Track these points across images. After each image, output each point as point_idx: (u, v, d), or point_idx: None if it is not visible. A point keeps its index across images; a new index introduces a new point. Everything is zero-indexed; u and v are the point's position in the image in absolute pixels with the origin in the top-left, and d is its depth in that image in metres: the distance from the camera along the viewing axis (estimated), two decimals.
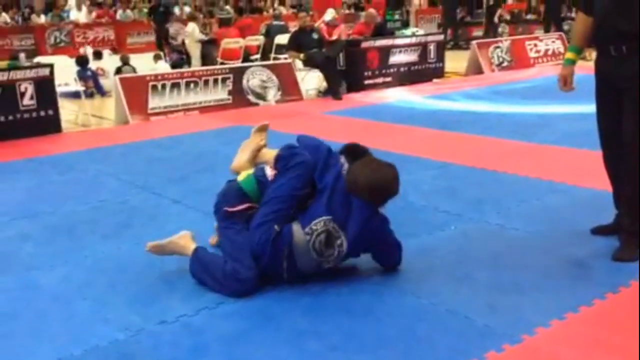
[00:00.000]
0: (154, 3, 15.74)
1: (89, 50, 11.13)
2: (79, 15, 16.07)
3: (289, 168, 2.95)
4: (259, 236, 2.85)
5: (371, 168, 2.92)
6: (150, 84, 7.95)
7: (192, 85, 8.21)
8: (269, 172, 3.12)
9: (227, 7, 19.04)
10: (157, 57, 11.10)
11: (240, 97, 8.54)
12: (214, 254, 3.04)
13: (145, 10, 15.52)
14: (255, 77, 8.75)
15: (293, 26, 12.39)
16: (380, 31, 10.78)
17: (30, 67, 7.37)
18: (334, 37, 9.94)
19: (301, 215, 2.90)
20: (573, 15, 16.26)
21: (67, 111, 8.21)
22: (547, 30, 13.88)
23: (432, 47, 10.49)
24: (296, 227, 2.86)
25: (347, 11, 20.80)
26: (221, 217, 3.09)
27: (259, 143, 3.40)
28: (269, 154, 3.25)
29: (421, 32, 11.38)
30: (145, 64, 10.85)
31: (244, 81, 8.63)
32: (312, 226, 2.84)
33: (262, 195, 3.02)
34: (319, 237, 2.83)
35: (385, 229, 2.96)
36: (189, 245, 3.05)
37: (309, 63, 9.21)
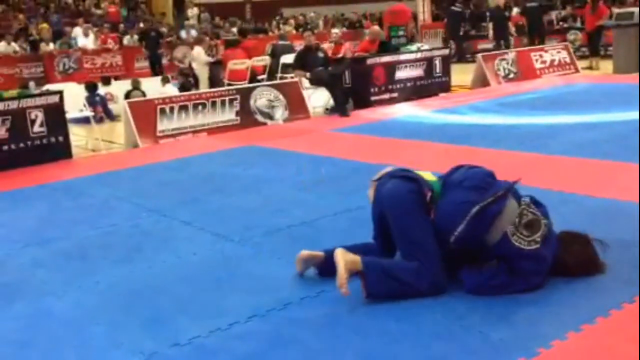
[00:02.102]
0: (145, 28, 15.90)
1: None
2: (86, 41, 16.26)
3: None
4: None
5: None
6: (159, 107, 8.02)
7: (199, 107, 8.27)
8: None
9: (234, 29, 19.21)
10: (165, 80, 11.21)
11: (247, 117, 8.59)
12: (393, 261, 2.95)
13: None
14: (263, 97, 8.80)
15: (299, 45, 12.49)
16: (385, 47, 10.84)
17: (40, 95, 7.47)
18: (340, 55, 10.02)
19: None
20: (578, 24, 16.25)
21: (77, 137, 8.28)
22: (531, 44, 13.73)
23: (437, 61, 10.53)
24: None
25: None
26: (417, 204, 2.91)
27: None
28: None
29: (426, 47, 11.42)
30: (152, 87, 10.96)
31: (251, 101, 8.69)
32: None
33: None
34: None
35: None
36: (355, 259, 2.86)
37: (315, 81, 9.27)
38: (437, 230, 2.90)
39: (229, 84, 10.13)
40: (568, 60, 12.27)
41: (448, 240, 2.85)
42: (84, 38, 16.44)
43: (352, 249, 3.05)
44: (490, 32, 14.88)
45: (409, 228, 2.92)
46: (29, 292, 3.37)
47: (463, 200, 2.86)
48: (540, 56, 12.00)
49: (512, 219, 2.82)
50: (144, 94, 10.25)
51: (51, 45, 15.91)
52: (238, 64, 10.87)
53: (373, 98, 9.70)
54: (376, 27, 11.43)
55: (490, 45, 15.25)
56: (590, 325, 2.55)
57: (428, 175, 3.06)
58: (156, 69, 14.68)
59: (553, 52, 12.23)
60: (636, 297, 2.75)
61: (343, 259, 2.85)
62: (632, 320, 2.59)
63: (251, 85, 9.42)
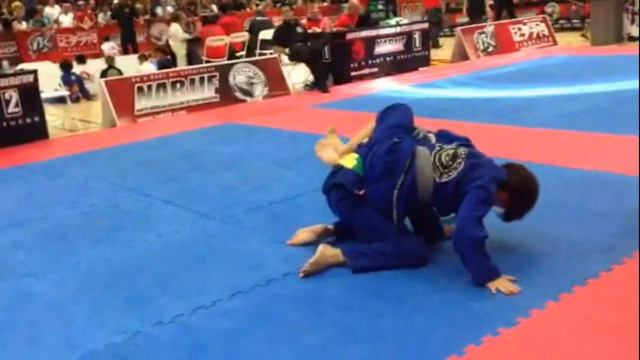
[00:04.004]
0: (119, 3, 15.56)
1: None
2: (64, 19, 15.94)
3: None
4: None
5: None
6: (136, 85, 7.92)
7: (178, 85, 8.18)
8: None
9: (213, 5, 18.93)
10: (142, 58, 11.05)
11: (227, 94, 8.52)
12: (368, 245, 3.01)
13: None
14: (242, 74, 8.73)
15: (277, 21, 12.36)
16: (364, 22, 10.77)
17: (14, 75, 7.32)
18: (319, 30, 9.93)
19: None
20: None
21: (54, 117, 8.16)
22: (497, 19, 13.51)
23: (417, 35, 10.50)
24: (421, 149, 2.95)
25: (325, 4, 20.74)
26: (354, 201, 3.06)
27: (333, 142, 3.43)
28: (351, 144, 3.33)
29: (405, 21, 11.37)
30: (130, 65, 10.80)
31: (231, 78, 8.61)
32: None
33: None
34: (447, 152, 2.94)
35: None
36: (336, 252, 3.02)
37: (294, 57, 9.19)
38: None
39: (208, 61, 10.02)
40: (546, 32, 12.30)
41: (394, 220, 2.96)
42: (62, 16, 16.10)
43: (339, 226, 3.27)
44: (464, 7, 14.66)
45: (363, 225, 3.10)
46: (9, 274, 3.34)
47: (380, 190, 2.96)
48: (519, 29, 12.01)
49: (431, 169, 2.89)
50: (120, 72, 10.10)
51: (24, 24, 15.55)
52: (216, 40, 10.74)
53: (353, 73, 9.66)
54: (355, 1, 11.33)
55: (466, 19, 15.08)
56: (569, 294, 2.60)
57: (350, 161, 3.14)
58: (128, 48, 14.39)
59: (531, 24, 12.24)
60: (614, 265, 2.81)
61: (322, 253, 2.99)
62: (611, 288, 2.64)
63: (230, 62, 9.33)
